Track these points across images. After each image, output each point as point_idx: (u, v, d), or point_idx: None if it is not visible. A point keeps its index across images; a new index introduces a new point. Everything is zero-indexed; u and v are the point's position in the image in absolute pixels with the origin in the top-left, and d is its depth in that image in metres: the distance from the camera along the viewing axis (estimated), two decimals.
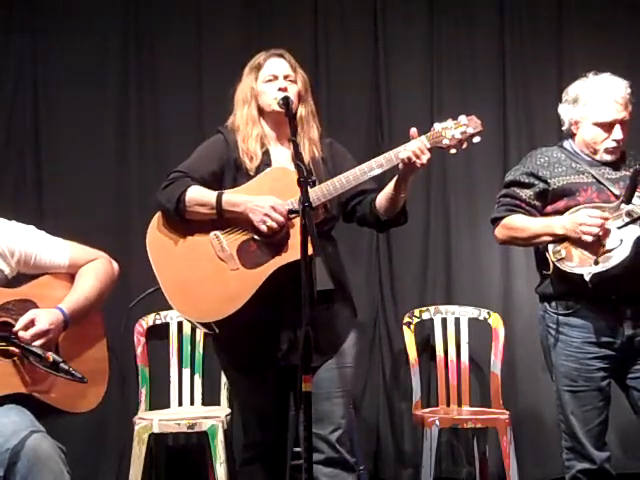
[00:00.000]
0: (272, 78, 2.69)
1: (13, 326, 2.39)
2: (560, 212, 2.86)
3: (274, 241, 2.55)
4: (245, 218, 2.55)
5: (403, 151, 2.54)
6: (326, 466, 2.60)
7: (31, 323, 2.36)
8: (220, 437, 3.73)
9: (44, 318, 2.38)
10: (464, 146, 2.61)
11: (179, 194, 2.58)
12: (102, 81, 4.34)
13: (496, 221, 2.97)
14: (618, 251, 2.74)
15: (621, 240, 2.74)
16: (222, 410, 3.99)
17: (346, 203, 2.74)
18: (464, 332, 4.20)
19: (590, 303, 2.82)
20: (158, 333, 4.16)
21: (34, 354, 2.27)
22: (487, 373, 4.19)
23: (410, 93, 4.46)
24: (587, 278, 2.73)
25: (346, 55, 4.46)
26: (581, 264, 2.76)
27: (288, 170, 2.62)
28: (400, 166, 2.55)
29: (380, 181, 2.74)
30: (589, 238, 2.72)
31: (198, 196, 2.59)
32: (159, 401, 4.09)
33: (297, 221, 2.43)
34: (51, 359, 2.24)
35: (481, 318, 4.21)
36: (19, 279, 2.53)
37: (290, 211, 2.53)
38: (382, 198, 2.66)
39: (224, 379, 4.04)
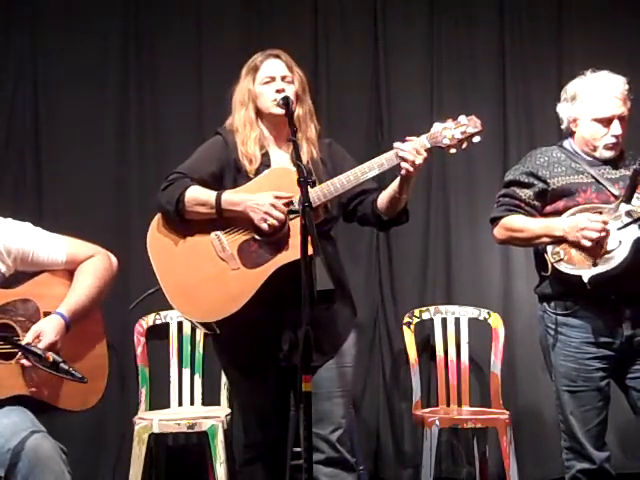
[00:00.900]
0: (269, 80, 2.69)
1: (13, 328, 2.38)
2: (559, 212, 2.85)
3: (275, 240, 2.56)
4: (245, 217, 2.56)
5: (401, 151, 2.54)
6: (326, 466, 2.60)
7: (37, 339, 2.36)
8: (220, 437, 3.74)
9: (49, 330, 2.39)
10: (464, 146, 2.61)
11: (179, 194, 2.58)
12: (102, 81, 4.34)
13: (495, 221, 2.96)
14: (617, 252, 2.73)
15: (620, 241, 2.74)
16: (222, 410, 3.99)
17: (347, 203, 2.75)
18: (464, 332, 4.20)
19: (589, 303, 2.82)
20: (158, 333, 4.16)
21: (34, 354, 2.27)
22: (487, 373, 4.19)
23: (410, 93, 4.46)
24: (586, 280, 2.73)
25: (346, 55, 4.45)
26: (580, 265, 2.76)
27: (289, 170, 2.62)
28: (402, 164, 2.55)
29: (381, 181, 2.74)
30: (589, 243, 2.72)
31: (198, 196, 2.59)
32: (159, 401, 4.09)
33: (298, 221, 2.44)
34: (51, 359, 2.24)
35: (481, 318, 4.21)
36: (18, 278, 2.52)
37: (290, 211, 2.53)
38: (384, 198, 2.66)
39: (224, 379, 4.04)
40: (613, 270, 2.73)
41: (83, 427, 3.98)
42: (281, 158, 2.72)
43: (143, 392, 4.05)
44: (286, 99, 2.61)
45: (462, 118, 2.61)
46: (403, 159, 2.52)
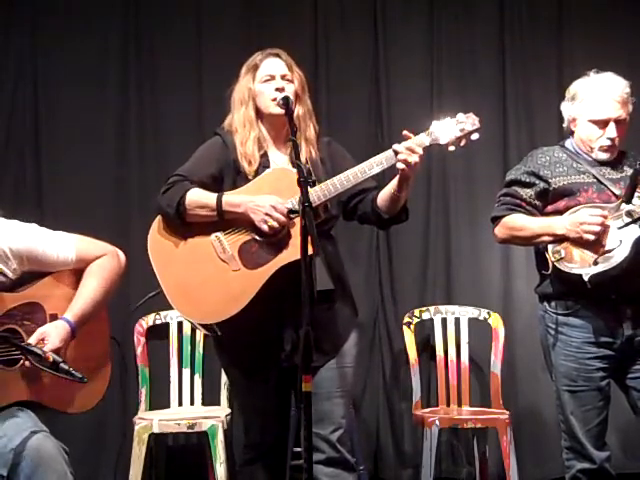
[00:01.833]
0: (269, 78, 2.69)
1: (19, 332, 2.38)
2: (560, 212, 2.86)
3: (275, 241, 2.56)
4: (246, 218, 2.56)
5: (397, 150, 2.54)
6: (327, 466, 2.60)
7: (41, 342, 2.36)
8: (220, 437, 3.74)
9: (54, 335, 2.38)
10: (463, 143, 2.62)
11: (179, 198, 2.58)
12: (102, 81, 4.34)
13: (496, 220, 2.97)
14: (618, 251, 2.74)
15: (621, 241, 2.74)
16: (222, 410, 3.99)
17: (347, 202, 2.75)
18: (464, 332, 4.20)
19: (590, 303, 2.82)
20: (158, 333, 4.16)
21: (34, 354, 2.27)
22: (487, 373, 4.19)
23: (410, 92, 4.46)
24: (586, 279, 2.73)
25: (346, 54, 4.45)
26: (580, 264, 2.76)
27: (288, 170, 2.62)
28: (398, 166, 2.55)
29: (380, 179, 2.74)
30: (591, 237, 2.72)
31: (198, 198, 2.59)
32: (159, 401, 4.10)
33: (298, 221, 2.44)
34: (51, 359, 2.24)
35: (481, 318, 4.21)
36: (24, 280, 2.50)
37: (290, 211, 2.53)
38: (383, 196, 2.66)
39: (224, 379, 4.04)
40: (613, 269, 2.73)
41: (84, 427, 3.98)
42: (280, 159, 2.72)
43: (143, 392, 4.05)
44: (286, 99, 2.61)
45: (460, 116, 2.62)
46: (403, 158, 2.53)
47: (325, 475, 2.59)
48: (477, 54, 4.51)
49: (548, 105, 4.18)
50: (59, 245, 2.52)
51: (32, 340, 2.36)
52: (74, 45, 4.31)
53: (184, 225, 2.61)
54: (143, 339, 4.10)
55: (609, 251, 2.74)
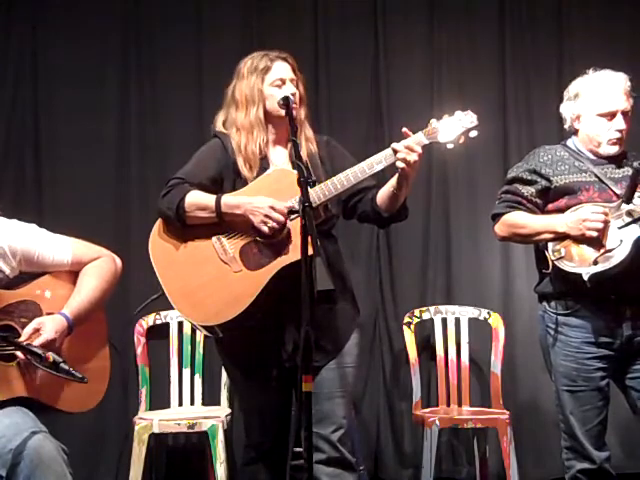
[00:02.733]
0: (280, 82, 2.69)
1: (15, 329, 2.38)
2: (561, 210, 2.86)
3: (276, 242, 2.56)
4: (245, 220, 2.56)
5: (395, 149, 2.55)
6: (327, 466, 2.60)
7: (36, 332, 2.36)
8: (220, 437, 3.74)
9: (49, 326, 2.38)
10: (461, 141, 2.63)
11: (179, 200, 2.58)
12: (102, 81, 4.34)
13: (496, 217, 2.96)
14: (618, 251, 2.73)
15: (621, 240, 2.74)
16: (222, 410, 3.99)
17: (347, 200, 2.75)
18: (464, 332, 4.20)
19: (589, 303, 2.82)
20: (158, 333, 4.16)
21: (34, 354, 2.27)
22: (487, 373, 4.19)
23: (411, 91, 4.46)
24: (585, 278, 2.73)
25: (346, 54, 4.45)
26: (580, 264, 2.76)
27: (287, 171, 2.62)
28: (398, 165, 2.55)
29: (380, 178, 2.74)
30: (593, 234, 2.72)
31: (197, 200, 2.59)
32: (159, 401, 4.09)
33: (298, 221, 2.43)
34: (51, 359, 2.24)
35: (481, 318, 4.21)
36: (21, 279, 2.51)
37: (290, 211, 2.53)
38: (383, 195, 2.67)
39: (224, 379, 4.04)
40: (613, 269, 2.73)
41: (84, 427, 3.97)
42: (279, 158, 2.72)
43: (143, 392, 4.05)
44: (286, 99, 2.62)
45: (458, 113, 2.62)
46: (402, 156, 2.53)
47: (326, 475, 2.59)
48: (477, 54, 4.51)
49: (548, 104, 4.18)
50: (56, 247, 2.53)
51: (27, 330, 2.36)
52: (74, 45, 4.32)
53: (185, 228, 2.61)
54: (143, 339, 4.10)
55: (609, 251, 2.74)
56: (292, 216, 2.53)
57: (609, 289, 2.77)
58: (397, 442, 4.35)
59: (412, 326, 4.19)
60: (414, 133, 2.59)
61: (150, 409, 4.04)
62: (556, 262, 2.80)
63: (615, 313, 2.83)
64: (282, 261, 2.53)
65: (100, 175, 4.29)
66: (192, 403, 4.13)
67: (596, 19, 4.51)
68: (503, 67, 4.48)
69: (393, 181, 2.62)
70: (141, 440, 3.71)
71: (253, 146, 2.67)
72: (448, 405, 4.15)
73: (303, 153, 2.66)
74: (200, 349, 4.13)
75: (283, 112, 2.63)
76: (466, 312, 4.23)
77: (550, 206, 2.90)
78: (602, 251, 2.74)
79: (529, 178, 2.92)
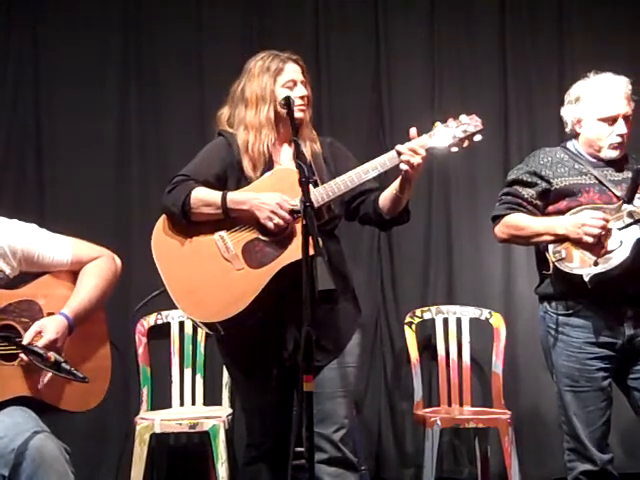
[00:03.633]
0: (292, 84, 2.70)
1: (15, 328, 2.38)
2: (562, 212, 2.86)
3: (279, 240, 2.56)
4: (251, 216, 2.56)
5: (399, 151, 2.54)
6: (329, 465, 2.60)
7: (38, 334, 2.36)
8: (222, 437, 3.74)
9: (51, 328, 2.38)
10: (465, 145, 2.62)
11: (184, 197, 2.58)
12: (103, 81, 4.35)
13: (497, 219, 2.96)
14: (618, 252, 2.74)
15: (621, 241, 2.74)
16: (223, 410, 3.99)
17: (349, 202, 2.75)
18: (465, 332, 4.20)
19: (590, 303, 2.82)
20: (159, 333, 4.16)
21: (35, 354, 2.27)
22: (488, 373, 4.19)
23: (412, 92, 4.46)
24: (586, 279, 2.73)
25: (347, 55, 4.45)
26: (581, 265, 2.76)
27: (290, 170, 2.62)
28: (401, 167, 2.55)
29: (383, 180, 2.74)
30: (590, 239, 2.72)
31: (203, 197, 2.59)
32: (161, 401, 4.10)
33: (301, 221, 2.44)
34: (52, 359, 2.24)
35: (482, 318, 4.21)
36: (21, 279, 2.52)
37: (292, 211, 2.53)
38: (385, 198, 2.66)
39: (225, 379, 4.04)
40: (613, 270, 2.73)
41: (85, 427, 3.97)
42: (284, 157, 2.73)
43: (145, 392, 4.05)
44: (287, 99, 2.62)
45: (463, 117, 2.62)
46: (406, 159, 2.53)
47: (327, 475, 2.59)
48: (478, 54, 4.51)
49: (549, 106, 4.18)
50: (56, 247, 2.53)
51: (29, 334, 2.36)
52: (75, 45, 4.32)
53: (189, 224, 2.61)
54: (144, 339, 4.10)
55: (610, 252, 2.74)
56: (295, 216, 2.53)
57: (610, 290, 2.77)
58: (398, 442, 4.35)
59: (413, 326, 4.19)
60: (418, 134, 2.59)
61: (151, 409, 4.04)
62: (557, 263, 2.80)
63: (616, 313, 2.83)
64: (284, 260, 2.53)
65: (101, 175, 4.29)
66: (193, 403, 4.13)
67: (597, 21, 4.50)
68: (504, 69, 4.48)
69: (396, 184, 2.62)
70: (142, 440, 3.71)
71: (261, 146, 2.66)
72: (449, 405, 4.15)
73: (307, 154, 2.66)
74: (201, 349, 4.13)
75: (298, 115, 2.65)
76: (467, 312, 4.23)
77: (550, 208, 2.90)
78: (602, 252, 2.74)
79: (529, 180, 2.92)
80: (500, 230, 2.96)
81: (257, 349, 2.62)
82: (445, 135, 2.59)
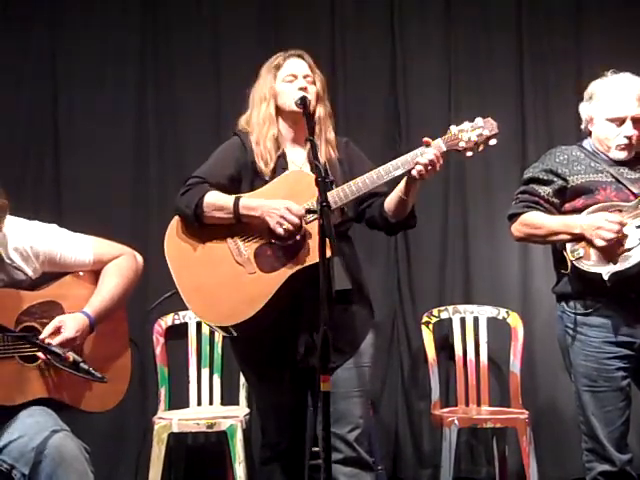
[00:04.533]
0: (292, 78, 2.70)
1: (38, 330, 2.40)
2: (578, 210, 2.84)
3: (291, 244, 2.56)
4: (262, 222, 2.56)
5: (420, 157, 2.53)
6: (345, 465, 2.60)
7: (57, 331, 2.37)
8: (239, 437, 3.75)
9: (70, 325, 2.39)
10: (480, 149, 2.61)
11: (197, 200, 2.59)
12: (120, 81, 4.37)
13: (513, 217, 2.95)
14: (637, 250, 2.72)
15: (639, 239, 2.72)
16: (241, 410, 4.00)
17: (358, 204, 2.74)
18: (483, 331, 4.19)
19: (609, 302, 2.80)
20: (177, 333, 4.18)
21: (54, 354, 2.28)
22: (506, 373, 4.18)
23: (427, 93, 4.45)
24: (605, 277, 2.71)
25: (363, 55, 4.45)
26: (599, 263, 2.75)
27: (304, 173, 2.63)
28: (413, 173, 2.54)
29: (391, 185, 2.73)
30: (602, 243, 2.70)
31: (216, 201, 2.60)
32: (178, 401, 4.11)
33: (314, 225, 2.44)
34: (71, 359, 2.25)
35: (500, 317, 4.20)
36: (43, 279, 2.53)
37: (308, 211, 2.53)
38: (391, 201, 2.65)
39: (243, 379, 4.05)
40: (632, 268, 2.71)
41: (103, 426, 3.99)
42: (298, 158, 2.73)
43: (162, 392, 4.06)
44: (304, 99, 2.62)
45: (479, 120, 2.60)
46: (425, 167, 2.51)
47: (343, 475, 2.59)
48: (494, 54, 4.49)
49: (566, 106, 4.16)
50: (77, 247, 2.54)
51: (48, 329, 2.37)
52: (92, 46, 4.34)
53: (201, 227, 2.62)
54: (162, 339, 4.12)
55: (628, 250, 2.72)
56: (310, 216, 2.53)
57: (629, 288, 2.75)
58: (416, 442, 4.34)
59: (430, 325, 4.18)
60: (432, 138, 2.58)
61: (169, 409, 4.05)
62: (575, 262, 2.78)
63: (635, 312, 2.80)
64: (296, 264, 2.53)
65: (118, 175, 4.31)
66: (211, 403, 4.14)
67: (614, 17, 4.46)
68: (521, 67, 4.46)
69: (401, 186, 2.61)
70: (160, 439, 3.73)
71: (265, 142, 2.67)
72: (467, 405, 4.14)
73: (322, 155, 2.66)
74: (219, 349, 4.14)
75: (295, 108, 2.64)
76: (484, 311, 4.22)
77: (567, 206, 2.88)
78: (621, 250, 2.72)
79: (546, 178, 2.90)
80: (516, 229, 2.95)
81: (268, 351, 2.63)
82: (460, 140, 2.58)
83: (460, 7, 4.49)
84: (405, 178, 2.58)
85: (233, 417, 3.82)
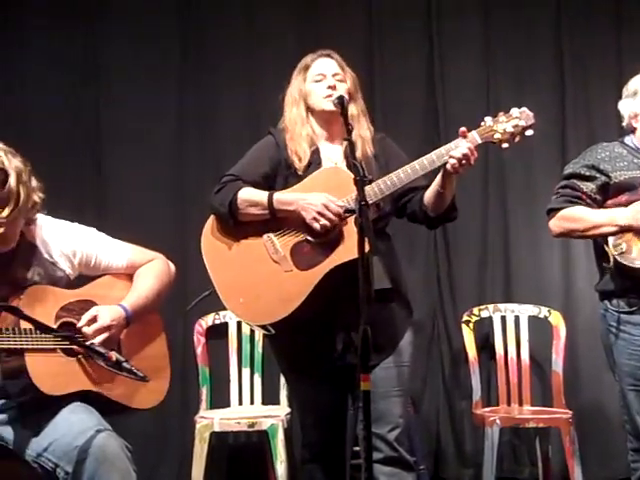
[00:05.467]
0: (321, 78, 2.70)
1: (75, 326, 2.43)
2: (622, 207, 2.80)
3: (327, 241, 2.56)
4: (298, 217, 2.56)
5: (454, 149, 2.52)
6: (385, 465, 2.59)
7: (93, 319, 2.41)
8: (280, 436, 3.76)
9: (106, 314, 2.42)
10: (517, 140, 2.58)
11: (231, 197, 2.60)
12: (160, 81, 4.40)
13: (552, 212, 2.91)
14: None
15: None
16: (282, 409, 4.01)
17: (397, 200, 2.73)
18: (524, 330, 4.15)
19: None
20: (217, 333, 4.20)
21: (97, 353, 2.31)
22: (548, 372, 4.13)
23: (466, 91, 4.43)
24: None
25: (400, 54, 4.44)
26: None
27: (340, 169, 2.62)
28: (448, 166, 2.53)
29: (430, 179, 2.72)
30: None
31: (250, 197, 2.61)
32: (219, 400, 4.14)
33: (350, 220, 2.44)
34: (114, 358, 2.28)
35: (541, 316, 4.16)
36: (82, 280, 2.58)
37: (346, 210, 2.53)
38: (430, 195, 2.64)
39: (283, 379, 4.06)
40: None
41: (146, 426, 4.01)
42: (333, 154, 2.73)
43: (204, 391, 4.09)
44: (341, 98, 2.61)
45: (514, 111, 2.58)
46: (459, 160, 2.49)
47: (383, 474, 2.59)
48: (533, 49, 4.44)
49: (607, 103, 4.10)
50: (112, 252, 2.58)
51: (84, 318, 2.40)
52: (132, 46, 4.39)
53: (236, 225, 2.62)
54: (203, 339, 4.15)
55: None
56: (346, 215, 2.53)
57: None
58: (457, 441, 4.32)
59: (471, 324, 4.15)
60: (469, 131, 2.57)
61: (210, 408, 4.08)
62: (618, 257, 2.74)
63: None
64: (333, 261, 2.53)
65: (157, 175, 4.35)
66: (252, 402, 4.16)
67: None
68: (561, 63, 4.42)
69: (438, 179, 2.59)
70: (202, 438, 3.76)
71: (300, 140, 2.67)
72: (509, 404, 4.10)
73: (359, 151, 2.66)
74: (259, 348, 4.16)
75: (326, 106, 2.64)
76: (525, 310, 4.18)
77: (609, 202, 2.84)
78: None
79: (587, 174, 2.87)
80: (555, 224, 2.91)
81: (306, 349, 2.62)
82: (496, 131, 2.56)
83: (499, 5, 4.44)
84: (441, 171, 2.57)
85: (274, 416, 3.83)
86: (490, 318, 4.20)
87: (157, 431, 4.19)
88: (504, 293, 4.35)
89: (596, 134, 4.30)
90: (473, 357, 4.11)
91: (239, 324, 4.18)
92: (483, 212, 4.39)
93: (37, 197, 2.37)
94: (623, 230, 2.75)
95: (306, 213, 2.54)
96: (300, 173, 2.65)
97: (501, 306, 4.22)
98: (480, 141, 2.55)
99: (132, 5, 4.42)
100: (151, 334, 2.61)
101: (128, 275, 2.61)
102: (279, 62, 4.17)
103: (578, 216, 2.84)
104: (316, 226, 2.53)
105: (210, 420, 3.81)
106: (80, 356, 2.41)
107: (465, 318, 4.16)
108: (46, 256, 2.46)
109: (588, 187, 2.86)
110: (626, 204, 2.79)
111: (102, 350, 2.30)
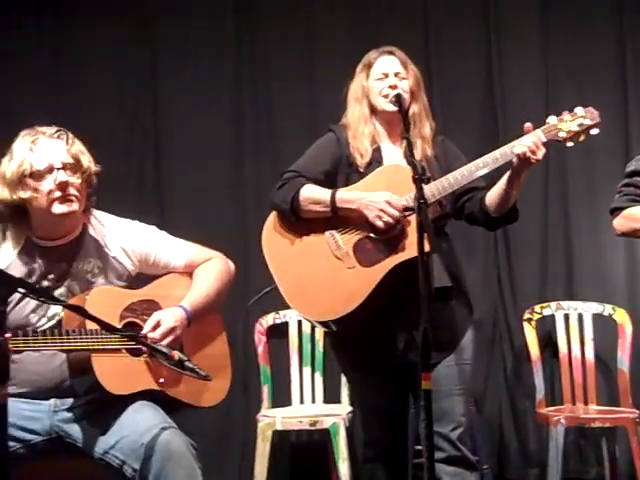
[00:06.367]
0: (382, 76, 2.70)
1: (139, 326, 2.48)
2: None
3: (390, 239, 2.55)
4: (360, 215, 2.57)
5: (518, 145, 2.49)
6: (448, 464, 2.58)
7: (157, 324, 2.45)
8: (342, 434, 3.76)
9: (169, 317, 2.46)
10: (581, 139, 2.54)
11: (293, 194, 2.61)
12: (217, 83, 4.43)
13: (616, 211, 2.86)
14: None
15: None
16: (343, 408, 4.01)
17: (456, 200, 2.71)
18: (588, 328, 4.08)
19: None
20: (278, 332, 4.23)
21: (161, 353, 2.35)
22: (614, 371, 4.05)
23: (525, 89, 4.37)
24: None
25: (457, 51, 4.40)
26: None
27: (401, 167, 2.62)
28: (514, 161, 2.50)
29: (489, 180, 2.69)
30: None
31: (312, 194, 2.62)
32: (280, 399, 4.16)
33: (413, 218, 2.43)
34: (177, 357, 2.31)
35: (606, 314, 4.08)
36: (143, 279, 2.62)
37: (405, 208, 2.53)
38: (493, 195, 2.61)
39: (344, 377, 4.06)
40: None
41: (209, 424, 4.06)
42: (394, 154, 2.72)
43: (265, 390, 4.12)
44: (398, 96, 2.61)
45: (579, 110, 2.54)
46: (524, 154, 2.45)
47: (446, 474, 2.58)
48: (594, 47, 4.35)
49: None
50: (171, 250, 2.62)
51: (148, 325, 2.44)
52: (190, 47, 4.43)
53: (298, 221, 2.63)
54: (264, 338, 4.18)
55: None
56: (406, 213, 2.53)
57: None
58: (521, 441, 4.27)
59: (533, 322, 4.10)
60: (534, 129, 2.53)
61: (272, 407, 4.11)
62: None
63: None
64: (396, 258, 2.53)
65: (216, 176, 4.39)
66: (313, 401, 4.18)
67: None
68: (623, 61, 4.32)
69: (504, 179, 2.56)
70: (265, 437, 3.78)
71: (363, 138, 2.67)
72: (573, 404, 4.03)
73: (419, 151, 2.65)
74: (320, 347, 4.17)
75: (386, 107, 2.64)
76: (589, 308, 4.11)
77: None
78: None
79: None
80: (619, 223, 2.85)
81: (367, 347, 2.63)
82: (560, 129, 2.52)
83: (557, 4, 4.37)
84: (510, 170, 2.54)
85: (336, 415, 3.84)
86: (552, 316, 4.13)
87: (220, 430, 4.23)
88: (565, 290, 4.28)
89: None
90: (535, 355, 4.05)
91: (300, 323, 4.20)
92: (543, 209, 4.32)
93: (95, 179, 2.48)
94: None
95: (368, 211, 2.54)
96: (362, 170, 2.65)
97: (564, 304, 4.15)
98: (545, 139, 2.51)
99: (190, 6, 4.47)
100: (212, 333, 2.63)
101: (190, 274, 2.64)
102: (335, 61, 4.19)
103: None
104: (379, 224, 2.53)
105: (272, 419, 3.84)
106: (145, 356, 2.45)
107: (527, 316, 4.11)
108: (106, 250, 2.52)
109: None
110: None
111: (165, 350, 2.34)
